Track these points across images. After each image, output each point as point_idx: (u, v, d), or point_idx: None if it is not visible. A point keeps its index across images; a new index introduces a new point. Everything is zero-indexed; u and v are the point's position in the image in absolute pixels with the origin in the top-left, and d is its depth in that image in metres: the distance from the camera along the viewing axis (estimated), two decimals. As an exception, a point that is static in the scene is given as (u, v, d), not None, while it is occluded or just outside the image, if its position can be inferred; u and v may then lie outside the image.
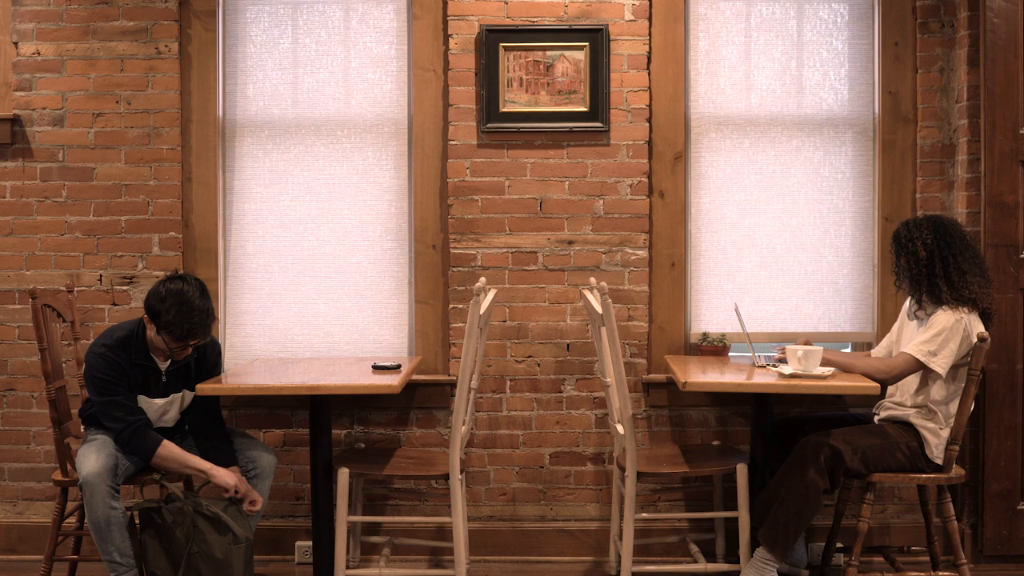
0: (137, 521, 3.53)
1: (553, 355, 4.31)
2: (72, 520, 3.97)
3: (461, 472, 3.72)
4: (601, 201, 4.29)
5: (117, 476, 3.50)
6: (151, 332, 3.57)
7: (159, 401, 3.65)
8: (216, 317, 3.55)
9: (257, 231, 4.42)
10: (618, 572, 3.87)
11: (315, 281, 4.42)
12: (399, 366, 3.91)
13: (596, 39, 4.25)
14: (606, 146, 4.28)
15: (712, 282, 4.40)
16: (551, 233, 4.29)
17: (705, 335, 4.29)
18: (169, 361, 3.64)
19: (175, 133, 4.31)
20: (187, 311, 3.47)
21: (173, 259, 4.29)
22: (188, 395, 3.71)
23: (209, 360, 3.76)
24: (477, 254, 4.29)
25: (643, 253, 4.30)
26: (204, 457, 3.63)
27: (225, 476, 3.56)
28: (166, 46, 4.30)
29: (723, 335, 4.27)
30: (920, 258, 3.71)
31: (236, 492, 3.56)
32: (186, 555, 3.41)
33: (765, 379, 3.65)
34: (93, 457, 3.50)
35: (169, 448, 3.54)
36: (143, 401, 3.62)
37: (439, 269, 4.35)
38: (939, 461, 3.68)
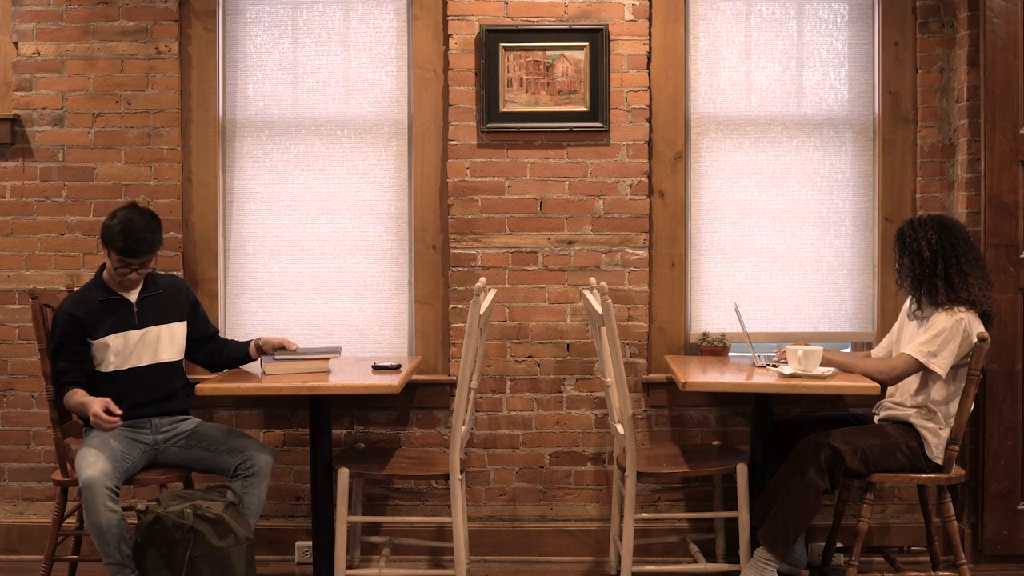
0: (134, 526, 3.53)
1: (553, 355, 4.31)
2: (72, 520, 3.97)
3: (461, 472, 3.72)
4: (601, 201, 4.29)
5: (117, 478, 3.50)
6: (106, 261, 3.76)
7: (135, 333, 3.75)
8: (160, 245, 3.78)
9: (257, 231, 4.42)
10: (618, 572, 3.87)
11: (315, 281, 4.42)
12: (399, 366, 3.91)
13: (596, 39, 4.25)
14: (606, 146, 4.28)
15: (712, 282, 4.40)
16: (551, 233, 4.29)
17: (705, 335, 4.28)
18: (138, 293, 3.78)
19: (175, 133, 4.31)
20: (130, 229, 3.65)
21: (173, 259, 4.29)
22: (165, 330, 3.81)
23: (182, 300, 3.89)
24: (477, 254, 4.29)
25: (643, 253, 4.30)
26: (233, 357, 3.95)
27: (95, 406, 3.61)
28: (166, 46, 4.30)
29: (723, 335, 4.27)
30: (924, 258, 3.70)
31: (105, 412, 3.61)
32: (187, 559, 3.40)
33: (765, 379, 3.65)
34: (92, 459, 3.50)
35: (71, 395, 3.67)
36: (121, 336, 3.72)
37: (439, 269, 4.35)
38: (939, 461, 3.68)
